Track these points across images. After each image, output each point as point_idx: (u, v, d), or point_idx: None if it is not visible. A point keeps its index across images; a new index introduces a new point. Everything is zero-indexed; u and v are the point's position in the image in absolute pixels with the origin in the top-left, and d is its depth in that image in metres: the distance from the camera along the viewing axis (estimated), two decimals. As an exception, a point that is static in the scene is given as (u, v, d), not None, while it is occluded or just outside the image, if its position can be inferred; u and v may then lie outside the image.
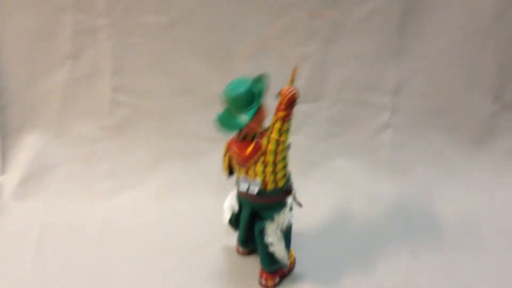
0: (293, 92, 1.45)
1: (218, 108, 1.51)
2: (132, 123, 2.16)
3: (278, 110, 1.48)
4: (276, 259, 1.61)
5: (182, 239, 1.88)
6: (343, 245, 1.85)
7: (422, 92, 2.16)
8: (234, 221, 1.71)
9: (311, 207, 1.89)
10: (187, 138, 2.17)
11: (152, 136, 2.17)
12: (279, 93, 1.47)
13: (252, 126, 1.51)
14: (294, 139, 1.93)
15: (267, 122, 1.53)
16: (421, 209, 2.04)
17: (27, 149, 2.14)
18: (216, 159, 1.75)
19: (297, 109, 2.06)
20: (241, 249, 1.79)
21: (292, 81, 1.48)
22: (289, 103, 1.46)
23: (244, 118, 1.48)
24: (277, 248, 1.59)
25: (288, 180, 1.60)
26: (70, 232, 1.91)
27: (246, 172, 1.55)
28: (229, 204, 1.70)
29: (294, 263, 1.73)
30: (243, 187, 1.57)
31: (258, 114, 1.51)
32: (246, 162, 1.53)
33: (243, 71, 2.00)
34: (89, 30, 2.05)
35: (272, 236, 1.58)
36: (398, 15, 2.05)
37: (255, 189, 1.55)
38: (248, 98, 1.49)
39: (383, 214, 2.01)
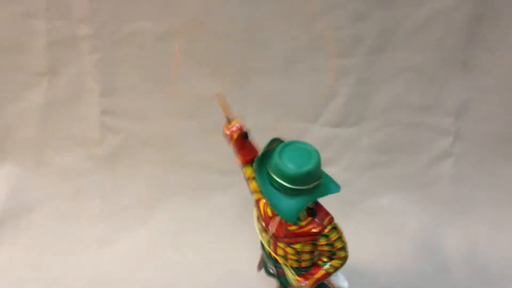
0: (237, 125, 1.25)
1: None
2: (126, 153, 1.94)
3: None
4: None
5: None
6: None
7: (492, 114, 1.90)
8: None
9: (349, 257, 1.66)
10: (194, 170, 1.94)
11: (152, 168, 1.95)
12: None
13: None
14: (329, 171, 1.77)
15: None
16: (492, 261, 1.79)
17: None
18: (230, 194, 1.74)
19: (335, 135, 1.90)
20: None
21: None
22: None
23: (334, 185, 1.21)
24: None
25: None
26: (54, 289, 1.73)
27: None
28: None
29: None
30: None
31: None
32: (280, 237, 1.28)
33: (262, 90, 1.82)
34: (68, 40, 1.80)
35: None
36: (465, 21, 1.78)
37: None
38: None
39: (443, 269, 1.76)
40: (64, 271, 1.77)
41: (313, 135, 1.85)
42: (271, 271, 1.36)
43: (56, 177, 1.93)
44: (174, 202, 1.94)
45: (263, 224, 1.27)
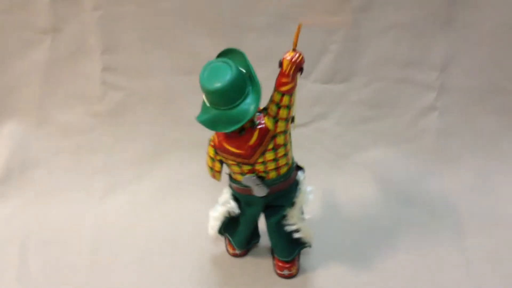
0: (301, 56, 1.27)
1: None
2: (127, 109, 1.93)
3: (282, 82, 1.29)
4: (299, 244, 1.55)
5: (190, 245, 1.72)
6: (379, 256, 1.65)
7: (474, 69, 1.90)
8: (227, 226, 1.60)
9: (340, 206, 1.81)
10: (193, 125, 1.78)
11: (151, 124, 1.95)
12: (282, 61, 1.28)
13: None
14: (320, 125, 1.78)
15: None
16: (474, 208, 1.81)
17: (4, 141, 1.93)
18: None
19: (325, 90, 1.91)
20: (238, 250, 1.67)
21: (296, 42, 1.29)
22: (297, 71, 1.28)
23: (251, 106, 1.27)
24: (305, 231, 1.52)
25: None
26: (58, 239, 1.74)
27: (253, 167, 1.37)
28: (221, 211, 1.56)
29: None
30: (260, 190, 1.41)
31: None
32: (252, 156, 1.34)
33: (257, 45, 1.80)
34: (70, -2, 1.79)
35: (297, 221, 1.49)
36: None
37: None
38: (241, 82, 1.27)
39: (428, 216, 1.79)
40: (68, 222, 1.79)
41: (305, 91, 1.85)
42: (264, 194, 1.41)
43: (58, 134, 1.92)
44: (173, 157, 1.95)
45: (240, 160, 1.35)
